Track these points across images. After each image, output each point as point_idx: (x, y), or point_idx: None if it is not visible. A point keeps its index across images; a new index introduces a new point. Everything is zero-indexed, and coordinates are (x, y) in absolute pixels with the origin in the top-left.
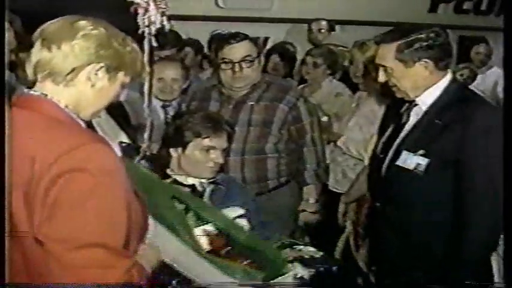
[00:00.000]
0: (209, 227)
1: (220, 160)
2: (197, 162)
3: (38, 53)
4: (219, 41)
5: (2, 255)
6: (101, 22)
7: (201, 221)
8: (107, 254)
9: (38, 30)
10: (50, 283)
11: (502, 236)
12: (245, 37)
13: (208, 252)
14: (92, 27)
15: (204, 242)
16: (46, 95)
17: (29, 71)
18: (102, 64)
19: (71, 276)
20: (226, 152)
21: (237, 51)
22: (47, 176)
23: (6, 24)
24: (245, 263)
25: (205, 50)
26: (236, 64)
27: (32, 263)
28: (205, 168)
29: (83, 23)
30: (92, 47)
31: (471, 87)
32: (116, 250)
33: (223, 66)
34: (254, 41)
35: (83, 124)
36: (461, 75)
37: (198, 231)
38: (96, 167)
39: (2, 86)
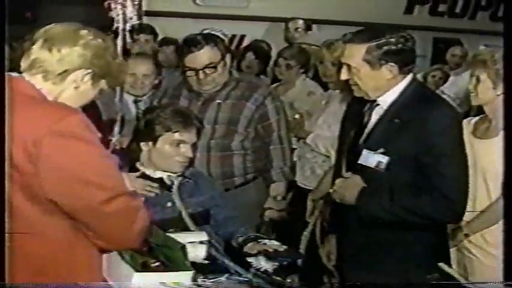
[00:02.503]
0: None
1: (190, 154)
2: (167, 156)
3: (38, 51)
4: (181, 48)
5: (2, 255)
6: (100, 34)
7: None
8: (129, 199)
9: (42, 30)
10: (50, 283)
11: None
12: (206, 42)
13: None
14: (92, 37)
15: None
16: (24, 77)
17: (25, 64)
18: (90, 70)
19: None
20: (195, 146)
21: (199, 59)
22: (43, 146)
23: (6, 24)
24: (154, 262)
25: None
26: (200, 71)
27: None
28: (175, 162)
29: (85, 32)
30: (88, 55)
31: (443, 88)
32: (130, 193)
33: (188, 73)
34: (216, 43)
35: None
36: (433, 76)
37: None
38: (88, 132)
39: (1, 74)
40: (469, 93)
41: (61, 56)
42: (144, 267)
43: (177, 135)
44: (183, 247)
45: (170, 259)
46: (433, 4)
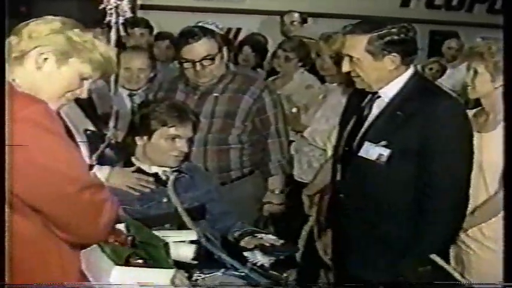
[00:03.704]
0: (120, 227)
1: (185, 149)
2: (162, 150)
3: (6, 42)
4: (177, 38)
5: (2, 255)
6: (65, 19)
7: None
8: (95, 191)
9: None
10: (50, 283)
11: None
12: (204, 34)
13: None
14: (51, 18)
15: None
16: None
17: None
18: (48, 48)
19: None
20: (191, 141)
21: (196, 51)
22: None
23: (7, 23)
24: (136, 259)
25: None
26: (197, 63)
27: None
28: (170, 156)
29: (49, 17)
30: (44, 32)
31: (441, 80)
32: (96, 185)
33: (185, 64)
34: (213, 35)
35: None
36: (431, 69)
37: None
38: (52, 122)
39: (2, 79)
40: (466, 86)
41: (18, 40)
42: (126, 263)
43: (172, 130)
44: (165, 244)
45: (153, 257)
46: None
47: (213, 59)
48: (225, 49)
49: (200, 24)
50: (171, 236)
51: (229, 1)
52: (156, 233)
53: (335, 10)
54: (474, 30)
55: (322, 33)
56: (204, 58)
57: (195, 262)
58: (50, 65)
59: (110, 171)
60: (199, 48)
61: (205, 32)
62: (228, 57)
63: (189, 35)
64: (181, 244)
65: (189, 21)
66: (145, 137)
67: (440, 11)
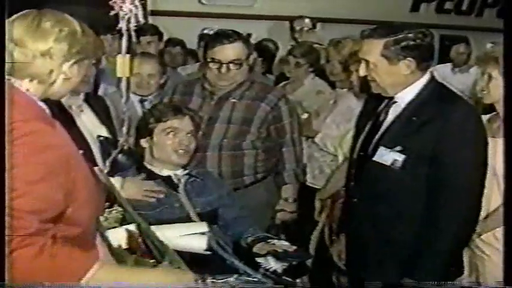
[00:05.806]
0: (132, 227)
1: (186, 142)
2: (165, 146)
3: None
4: (211, 38)
5: (2, 255)
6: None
7: (125, 221)
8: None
9: None
10: (51, 283)
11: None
12: (238, 37)
13: (124, 249)
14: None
15: (123, 241)
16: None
17: None
18: None
19: None
20: (193, 135)
21: (227, 52)
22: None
23: (7, 24)
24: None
25: (189, 45)
26: (224, 65)
27: None
28: (172, 152)
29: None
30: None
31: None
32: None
33: (210, 64)
34: (247, 41)
35: (44, 106)
36: None
37: (120, 230)
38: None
39: (2, 79)
40: (480, 90)
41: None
42: None
43: (168, 123)
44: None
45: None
46: (440, 1)
47: (240, 64)
48: (252, 57)
49: (206, 30)
50: (182, 229)
51: (239, 7)
52: (165, 227)
53: (344, 15)
54: (484, 35)
55: (331, 39)
56: (232, 61)
57: (209, 253)
58: None
59: (122, 182)
60: (231, 50)
61: (241, 36)
62: (253, 66)
63: (225, 36)
64: (193, 236)
65: (198, 27)
66: (148, 138)
67: (450, 15)
